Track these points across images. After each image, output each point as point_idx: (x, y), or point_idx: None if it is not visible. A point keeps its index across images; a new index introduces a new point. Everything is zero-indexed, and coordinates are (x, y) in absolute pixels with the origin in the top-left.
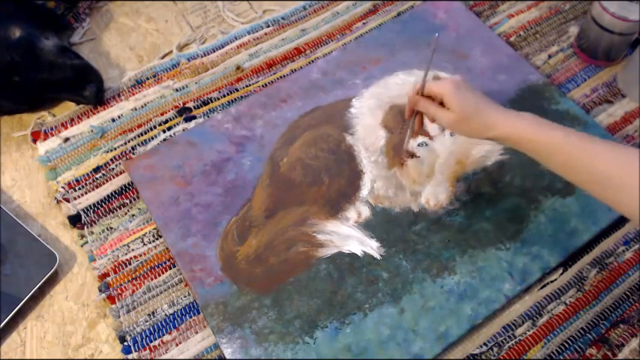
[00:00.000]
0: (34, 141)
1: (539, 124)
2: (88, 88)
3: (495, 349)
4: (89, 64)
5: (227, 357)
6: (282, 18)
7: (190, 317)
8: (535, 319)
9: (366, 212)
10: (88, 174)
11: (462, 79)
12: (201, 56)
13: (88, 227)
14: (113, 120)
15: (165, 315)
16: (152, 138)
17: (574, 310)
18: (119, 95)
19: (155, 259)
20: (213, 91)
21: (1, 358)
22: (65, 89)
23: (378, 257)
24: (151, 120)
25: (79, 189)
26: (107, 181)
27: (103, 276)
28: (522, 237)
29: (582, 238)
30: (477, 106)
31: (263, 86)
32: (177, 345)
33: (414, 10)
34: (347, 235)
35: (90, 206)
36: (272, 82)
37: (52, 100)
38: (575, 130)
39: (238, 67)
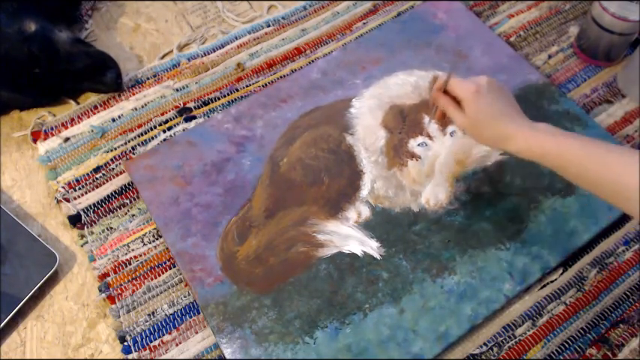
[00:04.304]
0: (35, 141)
1: (553, 135)
2: (107, 74)
3: (495, 349)
4: (105, 51)
5: (227, 357)
6: (283, 18)
7: (190, 317)
8: (535, 319)
9: (366, 212)
10: (88, 174)
11: (488, 83)
12: (202, 56)
13: (88, 227)
14: (113, 120)
15: (165, 315)
16: (152, 138)
17: (574, 310)
18: (119, 95)
19: (155, 259)
20: (213, 91)
21: (1, 358)
22: (86, 78)
23: (378, 257)
24: (151, 120)
25: (79, 189)
26: (107, 181)
27: (103, 276)
28: (522, 237)
29: (582, 238)
30: (491, 116)
31: (263, 86)
32: (177, 345)
33: (414, 10)
34: (347, 235)
35: (90, 206)
36: (272, 82)
37: (72, 92)
38: (576, 130)
39: (239, 65)
